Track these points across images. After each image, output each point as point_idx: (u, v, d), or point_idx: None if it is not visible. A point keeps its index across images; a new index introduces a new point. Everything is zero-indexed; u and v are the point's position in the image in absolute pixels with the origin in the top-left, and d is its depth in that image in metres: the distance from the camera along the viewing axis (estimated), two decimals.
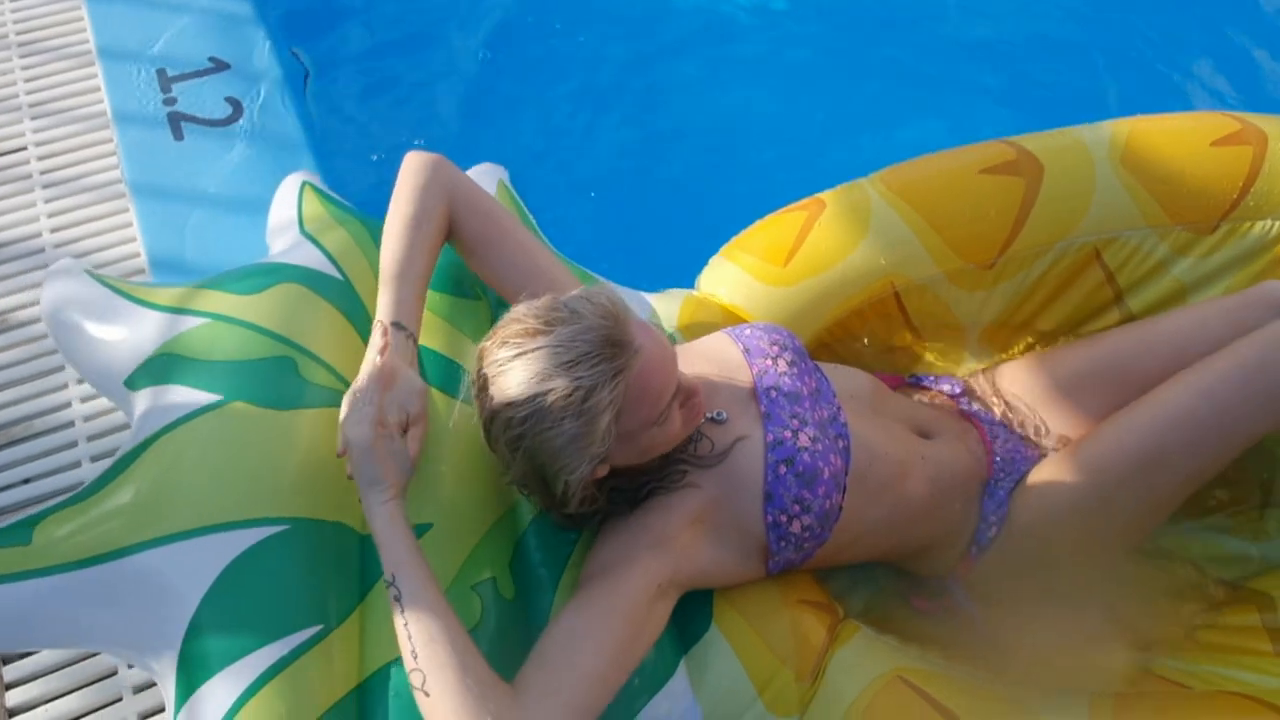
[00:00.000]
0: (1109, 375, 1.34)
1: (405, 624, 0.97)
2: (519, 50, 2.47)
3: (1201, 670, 1.21)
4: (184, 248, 1.82)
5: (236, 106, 2.04)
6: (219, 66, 2.11)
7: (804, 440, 1.14)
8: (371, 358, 1.09)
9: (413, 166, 1.20)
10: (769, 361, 1.21)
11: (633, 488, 1.13)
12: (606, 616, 1.02)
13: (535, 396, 0.97)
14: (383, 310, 1.13)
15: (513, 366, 0.98)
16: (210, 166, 1.93)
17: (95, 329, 1.21)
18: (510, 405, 0.98)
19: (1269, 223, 1.38)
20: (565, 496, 1.05)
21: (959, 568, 1.30)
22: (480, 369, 1.02)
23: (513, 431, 1.00)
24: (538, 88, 2.38)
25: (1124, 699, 1.14)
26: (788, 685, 1.14)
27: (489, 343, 1.02)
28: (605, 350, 0.96)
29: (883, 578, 1.38)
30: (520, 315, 1.01)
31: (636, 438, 1.03)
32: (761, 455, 1.13)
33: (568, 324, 0.97)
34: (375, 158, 2.22)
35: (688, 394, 1.06)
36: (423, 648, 0.96)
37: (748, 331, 1.26)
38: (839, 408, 1.21)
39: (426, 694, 0.95)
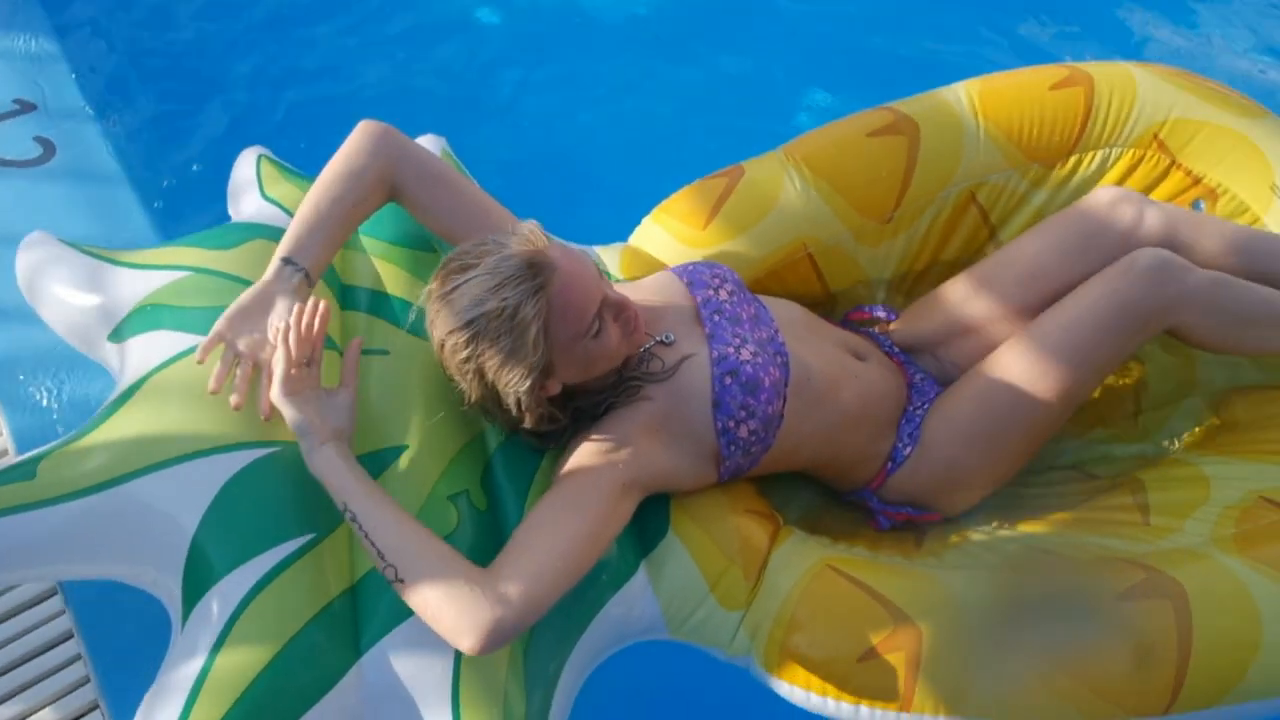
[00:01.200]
0: (986, 299, 1.51)
1: (366, 535, 1.08)
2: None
3: (1080, 541, 1.37)
4: (8, 292, 1.64)
5: (47, 146, 2.01)
6: (25, 108, 2.09)
7: (746, 354, 1.29)
8: (255, 288, 1.19)
9: (357, 132, 1.29)
10: (710, 291, 1.36)
11: (592, 406, 1.26)
12: (573, 509, 1.15)
13: (472, 321, 1.12)
14: (281, 246, 1.22)
15: (452, 298, 1.13)
16: (26, 207, 1.87)
17: (72, 295, 1.29)
18: (453, 332, 1.14)
19: (1107, 151, 1.61)
20: (521, 411, 1.18)
21: (874, 481, 1.47)
22: (428, 305, 1.17)
23: (459, 355, 1.14)
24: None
25: (1021, 565, 1.31)
26: (736, 582, 1.27)
27: (434, 282, 1.17)
28: (525, 272, 1.11)
29: (812, 495, 1.54)
30: (456, 254, 1.16)
31: (574, 350, 1.17)
32: (708, 369, 1.28)
33: (494, 254, 1.12)
34: (166, 183, 2.27)
35: (619, 308, 1.20)
36: (388, 548, 1.08)
37: (690, 267, 1.41)
38: (776, 329, 1.36)
39: (403, 581, 1.07)
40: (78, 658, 1.38)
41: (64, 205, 1.87)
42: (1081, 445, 1.61)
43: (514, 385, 1.15)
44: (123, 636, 1.37)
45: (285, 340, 1.12)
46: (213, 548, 1.09)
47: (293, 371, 1.12)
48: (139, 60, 2.57)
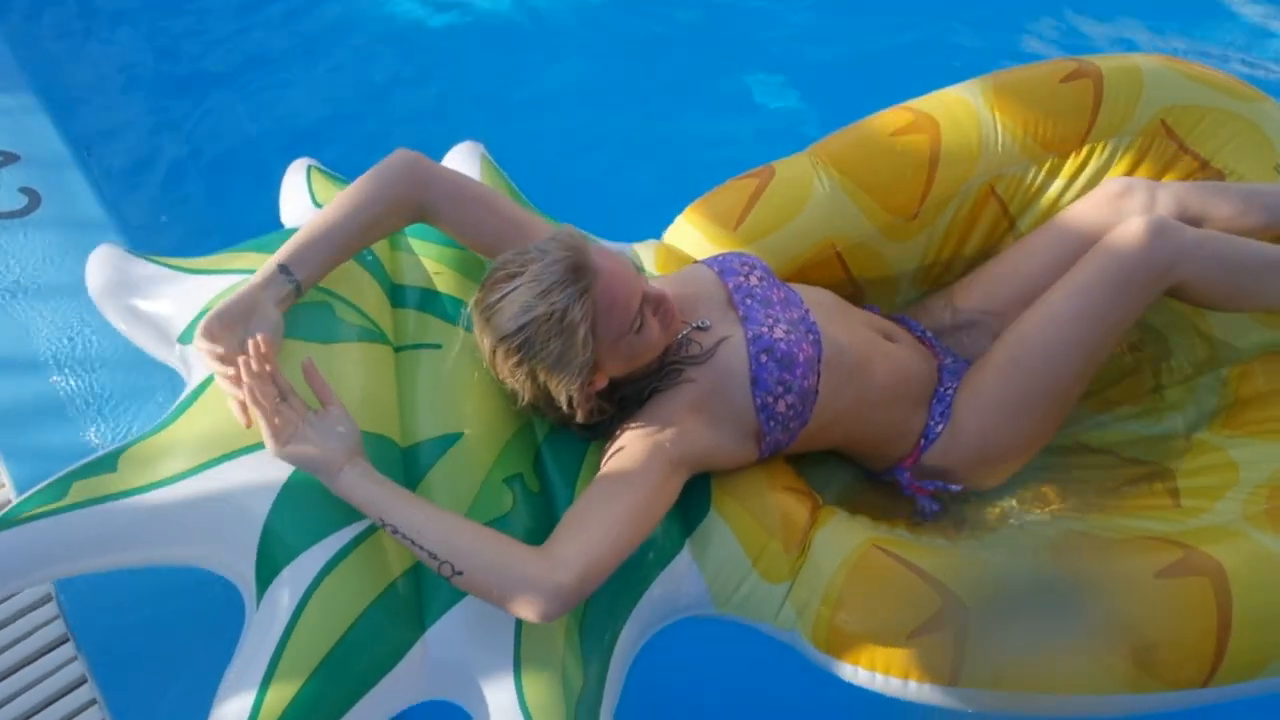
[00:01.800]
0: (1010, 286, 1.58)
1: (413, 542, 1.11)
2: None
3: (1116, 524, 1.42)
4: (7, 343, 1.76)
5: (33, 196, 2.02)
6: (8, 159, 2.11)
7: (779, 333, 1.35)
8: (241, 291, 1.20)
9: (388, 158, 1.31)
10: (741, 278, 1.43)
11: (637, 393, 1.32)
12: (623, 485, 1.21)
13: (523, 326, 1.17)
14: (281, 252, 1.24)
15: (500, 307, 1.18)
16: (17, 257, 1.89)
17: (144, 303, 1.37)
18: (505, 338, 1.19)
19: (1118, 139, 1.67)
20: (572, 408, 1.24)
21: (908, 459, 1.51)
22: (476, 315, 1.22)
23: (511, 360, 1.20)
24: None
25: (1061, 546, 1.35)
26: (778, 556, 1.31)
27: (480, 293, 1.22)
28: (570, 275, 1.16)
29: (848, 477, 1.59)
30: (501, 263, 1.21)
31: (619, 346, 1.23)
32: (745, 349, 1.34)
33: (538, 261, 1.17)
34: (163, 218, 2.33)
35: (657, 301, 1.25)
36: (438, 547, 1.10)
37: (720, 257, 1.48)
38: (807, 310, 1.42)
39: (461, 574, 1.11)
40: (74, 659, 1.43)
41: (54, 254, 1.90)
42: (1110, 422, 1.65)
43: (565, 385, 1.21)
44: (117, 637, 1.42)
45: (254, 398, 1.12)
46: (284, 532, 1.15)
47: (275, 421, 1.13)
48: (119, 104, 2.61)
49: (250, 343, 1.15)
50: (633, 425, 1.29)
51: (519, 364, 1.20)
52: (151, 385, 1.66)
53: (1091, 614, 1.26)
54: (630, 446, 1.26)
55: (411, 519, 1.11)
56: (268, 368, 1.15)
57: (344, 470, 1.13)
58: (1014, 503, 1.56)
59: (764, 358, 1.33)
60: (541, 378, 1.21)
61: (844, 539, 1.34)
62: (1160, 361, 1.65)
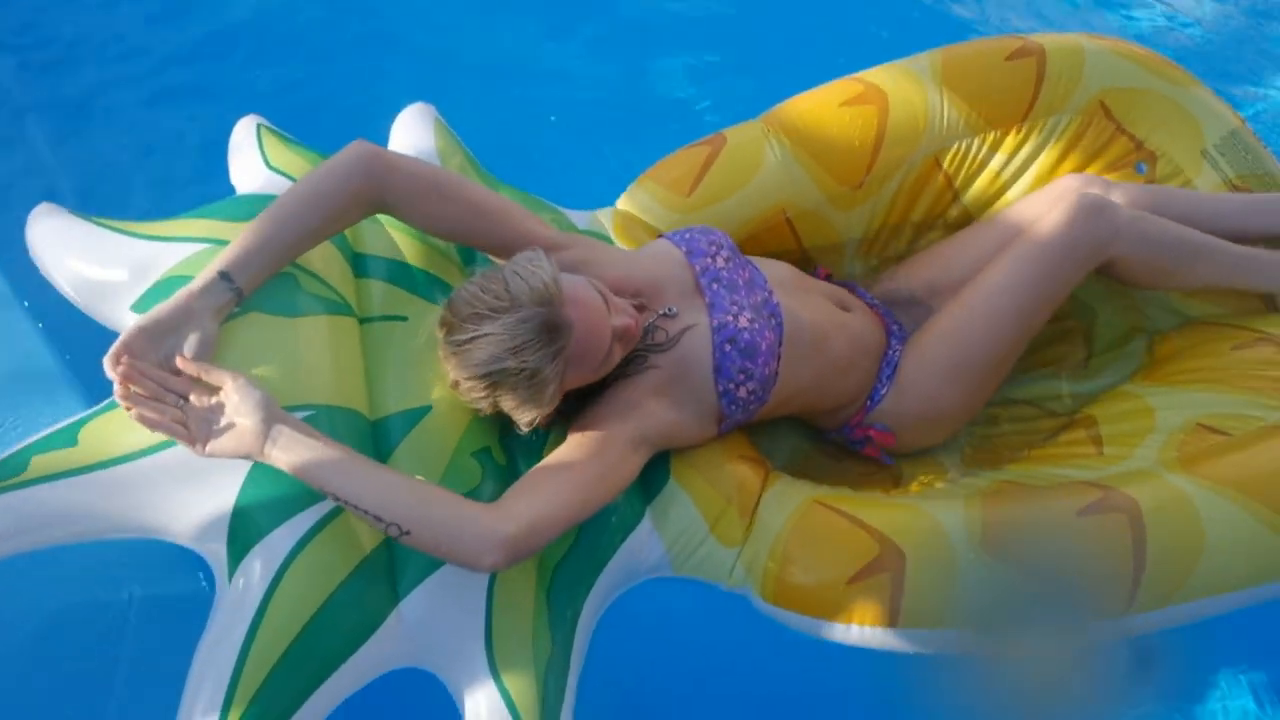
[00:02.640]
0: (959, 265, 1.65)
1: (355, 506, 1.10)
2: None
3: (1041, 473, 1.52)
4: None
5: None
6: None
7: (743, 321, 1.38)
8: (178, 297, 1.15)
9: (343, 152, 1.25)
10: (709, 259, 1.45)
11: (600, 386, 1.34)
12: (580, 457, 1.24)
13: (490, 374, 1.19)
14: (222, 257, 1.18)
15: (468, 349, 1.19)
16: None
17: (90, 267, 1.31)
18: (471, 379, 1.20)
19: (1058, 118, 1.74)
20: (531, 424, 1.26)
21: (854, 418, 1.59)
22: (443, 339, 1.22)
23: (476, 394, 1.22)
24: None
25: (990, 495, 1.44)
26: (733, 520, 1.37)
27: (448, 313, 1.22)
28: (544, 336, 1.16)
29: (797, 441, 1.66)
30: (470, 297, 1.19)
31: (587, 377, 1.27)
32: (709, 337, 1.37)
33: (510, 312, 1.16)
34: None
35: (622, 333, 1.26)
36: (382, 510, 1.10)
37: (687, 234, 1.49)
38: (770, 291, 1.46)
39: (409, 533, 1.10)
40: None
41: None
42: (1036, 381, 1.75)
43: (528, 414, 1.23)
44: None
45: (152, 421, 1.10)
46: (256, 508, 1.15)
47: (183, 430, 1.11)
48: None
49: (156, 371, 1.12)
50: (597, 404, 1.32)
51: (484, 395, 1.22)
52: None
53: (1020, 553, 1.33)
54: (593, 424, 1.29)
55: (349, 485, 1.10)
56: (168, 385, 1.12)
57: (266, 447, 1.11)
58: (948, 457, 1.66)
59: (728, 347, 1.37)
60: (505, 406, 1.23)
61: (788, 498, 1.40)
62: (1089, 332, 1.76)
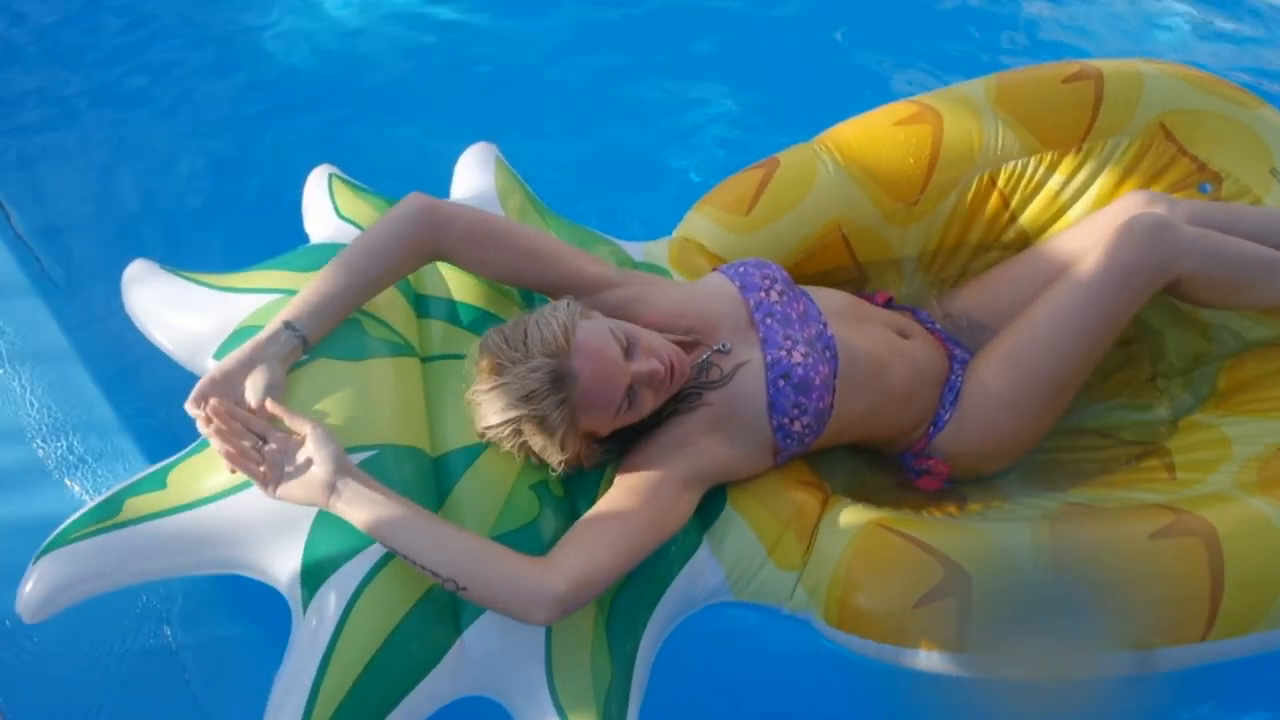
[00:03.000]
0: (1023, 287, 1.61)
1: (414, 560, 1.15)
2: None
3: (1112, 497, 1.49)
4: None
5: None
6: None
7: (797, 357, 1.39)
8: (246, 346, 1.23)
9: (400, 205, 1.32)
10: (762, 294, 1.46)
11: (652, 422, 1.36)
12: (632, 497, 1.26)
13: (505, 422, 1.25)
14: (289, 308, 1.26)
15: (485, 399, 1.25)
16: None
17: (178, 317, 1.42)
18: (490, 426, 1.26)
19: (1118, 139, 1.72)
20: (571, 466, 1.30)
21: (917, 445, 1.58)
22: (468, 394, 1.28)
23: (503, 440, 1.27)
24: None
25: (1057, 518, 1.42)
26: (791, 545, 1.38)
27: (471, 365, 1.28)
28: (549, 386, 1.21)
29: (855, 463, 1.65)
30: (494, 347, 1.25)
31: (609, 422, 1.29)
32: (762, 374, 1.38)
33: (521, 362, 1.22)
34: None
35: (649, 378, 1.27)
36: (439, 566, 1.14)
37: (741, 269, 1.50)
38: (825, 324, 1.46)
39: (465, 589, 1.15)
40: None
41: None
42: (1106, 409, 1.72)
43: (557, 457, 1.27)
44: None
45: (234, 459, 1.16)
46: (328, 544, 1.21)
47: (260, 470, 1.17)
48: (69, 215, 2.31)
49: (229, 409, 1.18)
50: (649, 441, 1.35)
51: (510, 443, 1.28)
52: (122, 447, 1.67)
53: (1091, 575, 1.31)
54: (644, 463, 1.31)
55: (407, 542, 1.15)
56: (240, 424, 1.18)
57: (331, 499, 1.16)
58: (1013, 481, 1.63)
59: (781, 383, 1.38)
60: (535, 452, 1.28)
61: (851, 523, 1.40)
62: (1157, 355, 1.72)
